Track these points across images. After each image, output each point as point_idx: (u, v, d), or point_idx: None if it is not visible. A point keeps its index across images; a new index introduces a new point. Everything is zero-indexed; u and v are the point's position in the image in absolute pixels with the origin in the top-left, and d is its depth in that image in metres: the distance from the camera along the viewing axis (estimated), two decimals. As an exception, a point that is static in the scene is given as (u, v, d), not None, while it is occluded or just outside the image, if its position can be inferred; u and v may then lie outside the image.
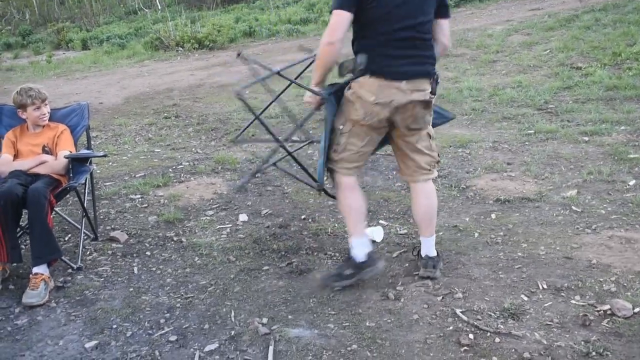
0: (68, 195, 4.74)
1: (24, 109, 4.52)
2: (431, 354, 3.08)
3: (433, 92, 3.56)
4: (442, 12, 3.63)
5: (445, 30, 3.70)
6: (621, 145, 5.92)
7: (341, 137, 3.69)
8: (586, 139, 6.25)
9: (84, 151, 4.71)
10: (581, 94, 7.86)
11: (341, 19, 3.36)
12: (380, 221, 4.79)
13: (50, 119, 4.81)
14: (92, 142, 5.07)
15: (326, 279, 3.87)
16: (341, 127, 3.67)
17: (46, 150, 4.51)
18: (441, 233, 4.49)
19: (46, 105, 4.58)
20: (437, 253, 3.97)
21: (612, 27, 11.28)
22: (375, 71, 3.44)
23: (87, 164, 4.64)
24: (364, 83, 3.47)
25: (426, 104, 3.57)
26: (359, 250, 3.78)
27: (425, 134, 3.75)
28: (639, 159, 5.54)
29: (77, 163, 4.52)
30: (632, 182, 5.10)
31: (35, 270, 3.94)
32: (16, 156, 4.55)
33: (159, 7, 24.98)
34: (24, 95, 4.48)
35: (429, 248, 3.94)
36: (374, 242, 4.39)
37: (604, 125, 6.55)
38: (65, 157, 4.42)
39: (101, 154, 4.87)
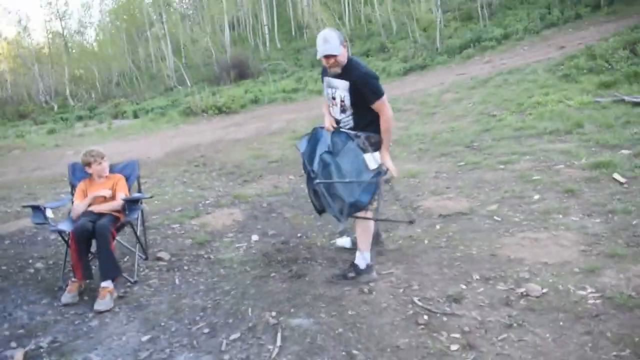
0: (125, 227, 4.70)
1: (89, 165, 4.48)
2: (397, 332, 3.06)
3: None
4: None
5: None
6: (527, 170, 5.94)
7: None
8: (502, 167, 6.26)
9: (136, 194, 4.68)
10: (497, 134, 7.89)
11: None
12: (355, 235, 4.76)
13: (110, 171, 4.80)
14: (142, 187, 5.04)
15: (334, 276, 3.87)
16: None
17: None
18: (400, 242, 4.49)
19: (105, 161, 4.54)
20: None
21: (516, 85, 11.36)
22: None
23: (139, 204, 4.62)
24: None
25: None
26: (361, 262, 3.80)
27: None
28: (540, 180, 5.56)
29: (131, 203, 4.50)
30: (536, 197, 5.11)
31: (102, 284, 3.92)
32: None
33: (189, 84, 25.07)
34: (87, 156, 4.46)
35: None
36: (345, 248, 4.40)
37: (514, 156, 6.56)
38: (122, 200, 4.41)
39: (148, 196, 4.87)
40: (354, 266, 3.85)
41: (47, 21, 35.02)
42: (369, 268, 3.81)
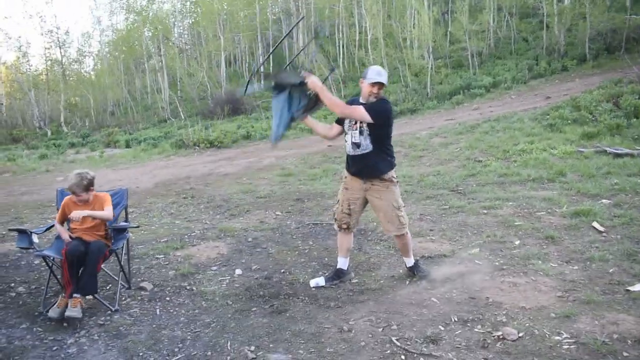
0: (109, 256, 4.69)
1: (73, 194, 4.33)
2: (374, 371, 3.07)
3: None
4: None
5: None
6: (509, 216, 6.03)
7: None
8: (485, 211, 6.35)
9: (122, 223, 4.69)
10: (481, 180, 8.00)
11: None
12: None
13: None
14: (129, 216, 5.06)
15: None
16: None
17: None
18: (382, 281, 4.51)
19: (90, 192, 4.33)
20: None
21: (502, 132, 11.56)
22: None
23: (125, 233, 4.63)
24: None
25: None
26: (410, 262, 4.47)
27: None
28: (522, 225, 5.65)
29: (117, 232, 4.51)
30: (517, 242, 5.19)
31: (75, 295, 4.00)
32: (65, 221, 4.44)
33: (183, 117, 25.26)
34: (72, 187, 4.25)
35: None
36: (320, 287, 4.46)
37: (497, 201, 6.65)
38: (110, 227, 4.43)
39: (135, 225, 4.89)
40: (413, 267, 4.48)
41: (47, 49, 35.24)
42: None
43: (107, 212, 4.36)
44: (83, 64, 42.55)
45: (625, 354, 3.03)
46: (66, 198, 4.46)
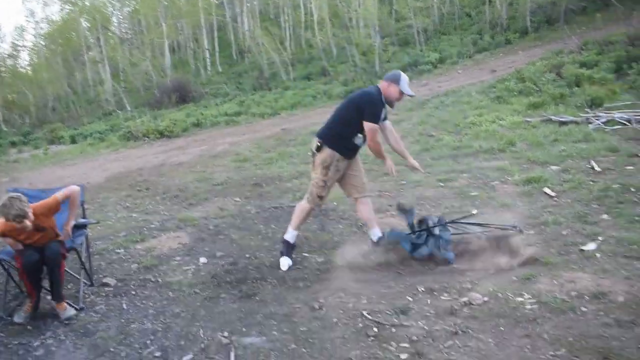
0: (69, 254, 4.57)
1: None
2: (349, 345, 3.14)
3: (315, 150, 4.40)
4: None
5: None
6: (465, 187, 6.21)
7: None
8: (442, 184, 6.51)
9: (81, 220, 4.58)
10: (435, 154, 8.18)
11: None
12: (304, 253, 4.83)
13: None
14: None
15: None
16: None
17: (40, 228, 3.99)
18: (348, 259, 4.58)
19: (28, 217, 3.79)
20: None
21: (452, 107, 11.82)
22: None
23: (84, 229, 4.53)
24: None
25: (312, 154, 4.49)
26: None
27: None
28: (478, 195, 5.83)
29: (76, 229, 4.39)
30: (475, 211, 5.35)
31: (56, 302, 3.95)
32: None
33: (129, 109, 24.62)
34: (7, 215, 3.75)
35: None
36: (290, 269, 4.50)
37: (453, 174, 6.83)
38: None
39: (94, 221, 4.79)
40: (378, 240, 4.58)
41: (-23, 44, 33.50)
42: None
43: (75, 192, 4.17)
44: (18, 59, 40.74)
45: (583, 309, 3.21)
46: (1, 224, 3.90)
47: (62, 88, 33.99)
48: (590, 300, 3.30)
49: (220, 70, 31.23)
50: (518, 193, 5.75)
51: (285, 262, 4.55)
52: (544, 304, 3.33)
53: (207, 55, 32.14)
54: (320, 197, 4.54)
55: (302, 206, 4.66)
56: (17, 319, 3.87)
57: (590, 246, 4.12)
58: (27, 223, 3.82)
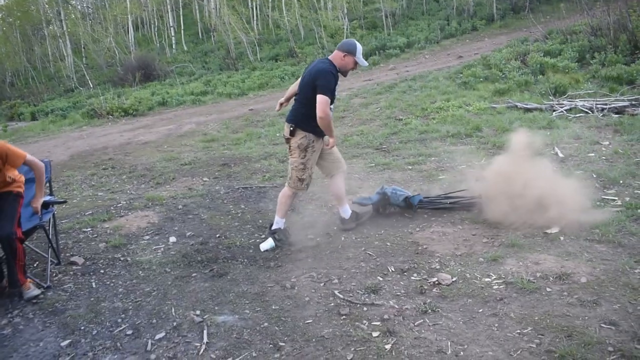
0: (35, 232, 4.46)
1: None
2: (321, 323, 3.17)
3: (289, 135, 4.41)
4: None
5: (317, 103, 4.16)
6: (433, 171, 6.29)
7: None
8: (410, 167, 6.58)
9: (48, 197, 4.45)
10: (403, 137, 8.24)
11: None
12: (274, 234, 4.82)
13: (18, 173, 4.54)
14: (47, 190, 4.80)
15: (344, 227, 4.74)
16: None
17: None
18: (318, 239, 4.60)
19: None
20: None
21: (419, 91, 11.89)
22: None
23: (51, 207, 4.42)
24: None
25: (286, 140, 4.50)
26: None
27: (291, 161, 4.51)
28: (445, 179, 5.92)
29: (43, 207, 4.27)
30: (442, 194, 5.44)
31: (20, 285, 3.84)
32: None
33: (91, 86, 23.95)
34: None
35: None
36: (266, 250, 4.46)
37: (421, 157, 6.91)
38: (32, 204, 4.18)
39: (62, 200, 4.67)
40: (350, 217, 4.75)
41: None
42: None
43: (38, 165, 4.02)
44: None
45: (548, 289, 3.31)
46: None
47: (21, 63, 32.76)
48: (555, 281, 3.41)
49: (185, 48, 30.60)
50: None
51: (267, 245, 4.52)
52: (511, 284, 3.42)
53: (172, 33, 31.44)
54: (301, 180, 4.50)
55: (284, 192, 4.61)
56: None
57: (554, 229, 4.25)
58: None
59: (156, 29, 34.13)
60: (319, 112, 4.16)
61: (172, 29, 31.66)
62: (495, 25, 20.79)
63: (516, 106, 9.09)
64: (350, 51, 4.32)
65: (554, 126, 7.62)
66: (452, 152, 7.03)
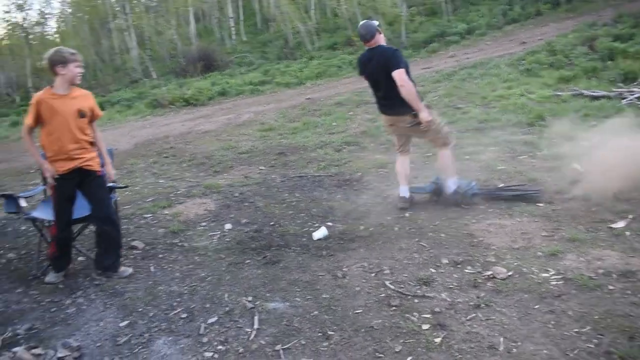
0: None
1: (65, 65, 3.68)
2: (370, 314, 3.15)
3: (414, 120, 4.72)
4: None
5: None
6: (492, 161, 6.11)
7: None
8: (468, 157, 6.41)
9: (110, 184, 4.62)
10: (462, 126, 8.05)
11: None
12: (328, 223, 4.83)
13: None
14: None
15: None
16: None
17: (82, 113, 3.83)
18: (371, 229, 4.57)
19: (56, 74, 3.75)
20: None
21: (480, 79, 11.56)
22: None
23: (113, 193, 4.58)
24: None
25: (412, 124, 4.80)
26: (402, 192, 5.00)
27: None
28: (505, 169, 5.74)
29: (105, 192, 4.43)
30: (501, 185, 5.28)
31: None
32: (42, 122, 3.72)
33: (155, 77, 24.67)
34: (66, 53, 3.72)
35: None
36: (319, 239, 4.46)
37: (479, 147, 6.73)
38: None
39: (123, 185, 4.84)
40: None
41: (7, 12, 33.77)
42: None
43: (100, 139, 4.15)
44: (46, 26, 40.93)
45: (610, 287, 3.15)
46: (40, 94, 3.76)
47: (89, 56, 34.14)
48: (618, 278, 3.24)
49: (244, 39, 30.98)
50: (546, 168, 5.65)
51: (320, 233, 4.53)
52: (570, 280, 3.28)
53: (232, 23, 31.90)
54: (447, 132, 5.05)
55: (444, 153, 4.98)
56: (48, 279, 3.98)
57: (620, 224, 4.04)
58: (78, 69, 3.75)
59: (217, 20, 34.73)
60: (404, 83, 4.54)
61: (231, 19, 32.12)
62: (561, 10, 19.86)
63: (582, 94, 8.68)
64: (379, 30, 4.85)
65: (623, 114, 7.22)
66: (513, 141, 6.81)
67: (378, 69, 4.70)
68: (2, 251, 4.83)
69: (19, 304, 3.74)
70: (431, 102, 10.08)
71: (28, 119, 3.72)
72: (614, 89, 8.64)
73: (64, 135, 3.78)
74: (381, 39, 4.80)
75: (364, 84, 5.11)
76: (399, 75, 4.53)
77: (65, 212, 3.96)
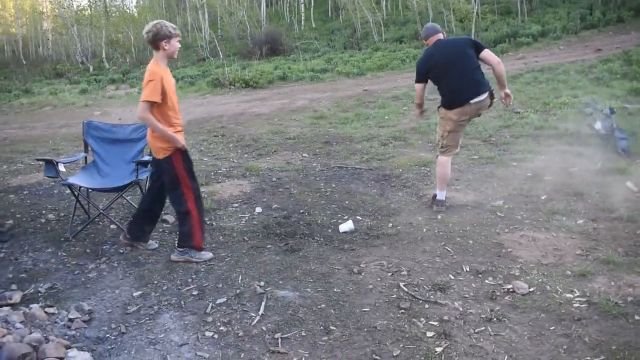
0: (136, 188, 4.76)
1: (169, 40, 3.66)
2: (377, 314, 3.08)
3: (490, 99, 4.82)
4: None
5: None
6: (539, 170, 5.83)
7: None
8: (515, 164, 6.17)
9: (147, 157, 4.72)
10: (516, 131, 7.74)
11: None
12: (357, 216, 4.77)
13: (122, 133, 4.86)
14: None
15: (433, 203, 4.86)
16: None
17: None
18: (399, 227, 4.47)
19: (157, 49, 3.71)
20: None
21: (545, 84, 11.10)
22: None
23: (150, 166, 4.67)
24: None
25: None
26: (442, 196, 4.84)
27: None
28: (551, 180, 5.47)
29: (142, 165, 4.54)
30: (543, 197, 5.04)
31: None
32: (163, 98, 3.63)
33: (221, 56, 25.13)
34: (170, 28, 3.66)
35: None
36: (344, 232, 4.39)
37: (529, 154, 6.45)
38: (133, 162, 4.47)
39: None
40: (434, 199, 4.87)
41: (90, -17, 35.23)
42: (446, 200, 4.87)
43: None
44: (125, 0, 42.44)
45: (637, 317, 2.92)
46: (157, 69, 3.66)
47: (163, 31, 35.10)
48: (647, 308, 3.02)
49: (314, 25, 31.05)
50: (596, 183, 5.34)
51: (346, 227, 4.47)
52: (594, 305, 3.08)
53: (302, 9, 32.01)
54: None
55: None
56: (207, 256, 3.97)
57: (663, 250, 3.77)
58: (179, 44, 3.75)
59: (288, 4, 34.94)
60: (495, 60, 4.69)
61: (302, 5, 32.22)
62: (646, 17, 18.76)
63: (652, 108, 8.15)
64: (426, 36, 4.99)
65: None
66: (566, 152, 6.48)
67: (452, 54, 4.68)
68: (44, 211, 5.06)
69: (47, 263, 3.91)
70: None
71: (153, 96, 3.57)
72: (688, 106, 8.06)
73: (178, 108, 3.91)
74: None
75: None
76: (489, 54, 4.67)
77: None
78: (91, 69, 27.73)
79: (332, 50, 23.01)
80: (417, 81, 4.89)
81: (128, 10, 40.52)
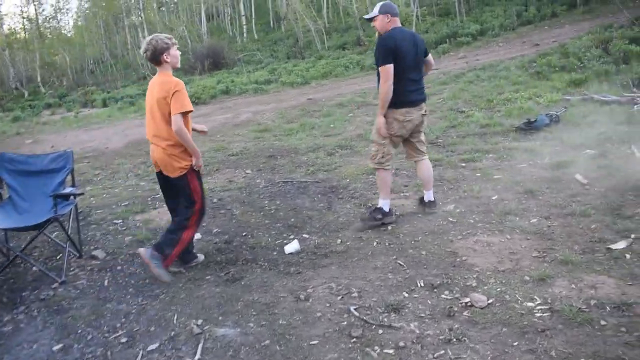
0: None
1: (168, 51, 3.60)
2: (327, 346, 2.78)
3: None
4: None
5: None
6: (488, 169, 5.70)
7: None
8: (464, 164, 6.02)
9: (68, 189, 4.31)
10: (462, 131, 7.63)
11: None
12: (304, 235, 4.48)
13: (40, 163, 4.43)
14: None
15: (364, 221, 4.42)
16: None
17: None
18: (348, 243, 4.20)
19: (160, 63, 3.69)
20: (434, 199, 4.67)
21: (487, 82, 11.12)
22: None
23: (72, 198, 4.27)
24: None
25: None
26: (386, 205, 4.41)
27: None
28: (501, 179, 5.33)
29: (62, 199, 4.13)
30: (495, 197, 4.88)
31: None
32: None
33: (163, 74, 24.52)
34: (166, 39, 3.62)
35: (430, 195, 4.63)
36: (290, 254, 4.09)
37: (477, 154, 6.31)
38: (51, 196, 4.02)
39: (80, 192, 4.51)
40: (378, 210, 4.42)
41: (19, 6, 33.87)
42: (391, 211, 4.47)
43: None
44: (61, 21, 41.11)
45: (602, 322, 2.73)
46: (179, 80, 3.66)
47: (102, 52, 34.14)
48: (612, 311, 2.82)
49: (256, 37, 30.77)
50: (546, 178, 5.22)
51: (292, 248, 4.20)
52: (557, 312, 2.87)
53: (244, 22, 31.68)
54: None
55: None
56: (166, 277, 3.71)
57: (620, 244, 3.62)
58: (178, 51, 3.75)
59: (229, 17, 34.55)
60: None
61: (243, 17, 31.91)
62: (577, 11, 19.28)
63: (592, 98, 8.21)
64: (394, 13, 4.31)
65: (634, 122, 6.75)
66: (514, 148, 6.38)
67: (415, 48, 4.25)
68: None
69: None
70: (434, 105, 9.68)
71: (188, 106, 3.63)
72: (626, 94, 8.16)
73: None
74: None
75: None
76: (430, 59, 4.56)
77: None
78: (26, 94, 26.60)
79: (276, 60, 22.78)
80: (386, 62, 4.08)
81: (64, 32, 39.23)
